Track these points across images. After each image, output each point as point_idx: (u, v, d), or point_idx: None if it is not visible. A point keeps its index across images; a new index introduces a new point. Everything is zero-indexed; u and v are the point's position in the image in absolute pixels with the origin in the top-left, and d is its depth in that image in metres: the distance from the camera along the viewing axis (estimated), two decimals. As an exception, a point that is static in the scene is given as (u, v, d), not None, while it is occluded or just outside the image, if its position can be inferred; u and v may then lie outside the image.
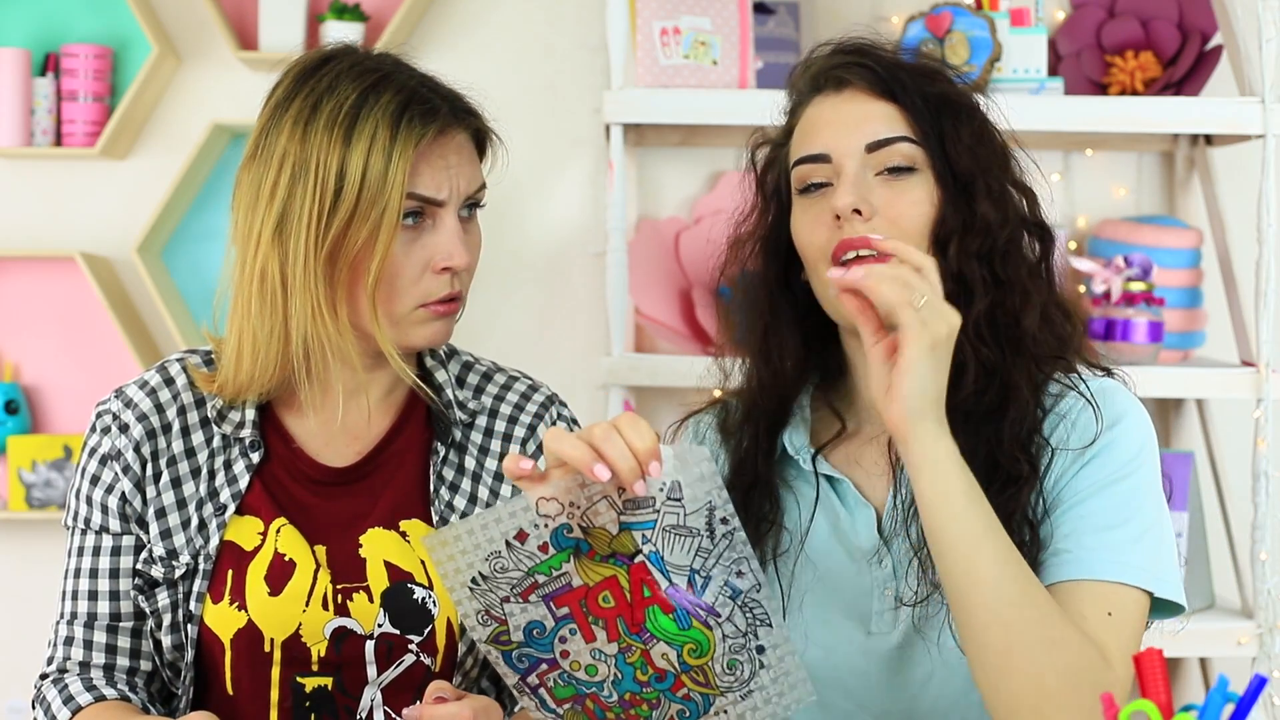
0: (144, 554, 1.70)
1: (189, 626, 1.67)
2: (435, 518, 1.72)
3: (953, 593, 1.46)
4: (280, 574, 1.68)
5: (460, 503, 1.73)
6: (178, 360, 1.76)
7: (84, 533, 1.73)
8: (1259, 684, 1.20)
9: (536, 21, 3.10)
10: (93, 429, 1.74)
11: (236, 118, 3.01)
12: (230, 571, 1.68)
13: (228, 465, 1.71)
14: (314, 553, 1.69)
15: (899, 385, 1.45)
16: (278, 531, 1.69)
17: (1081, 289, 2.92)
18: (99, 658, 1.70)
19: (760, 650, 1.39)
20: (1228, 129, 2.74)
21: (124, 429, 1.71)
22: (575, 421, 1.83)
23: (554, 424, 1.79)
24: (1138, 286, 2.75)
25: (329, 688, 1.67)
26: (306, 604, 1.67)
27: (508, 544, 1.36)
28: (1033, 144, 2.95)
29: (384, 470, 1.73)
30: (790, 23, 3.00)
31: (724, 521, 1.35)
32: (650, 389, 3.00)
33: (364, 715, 1.68)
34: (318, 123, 1.62)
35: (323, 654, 1.67)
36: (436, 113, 1.64)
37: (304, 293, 1.62)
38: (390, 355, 1.66)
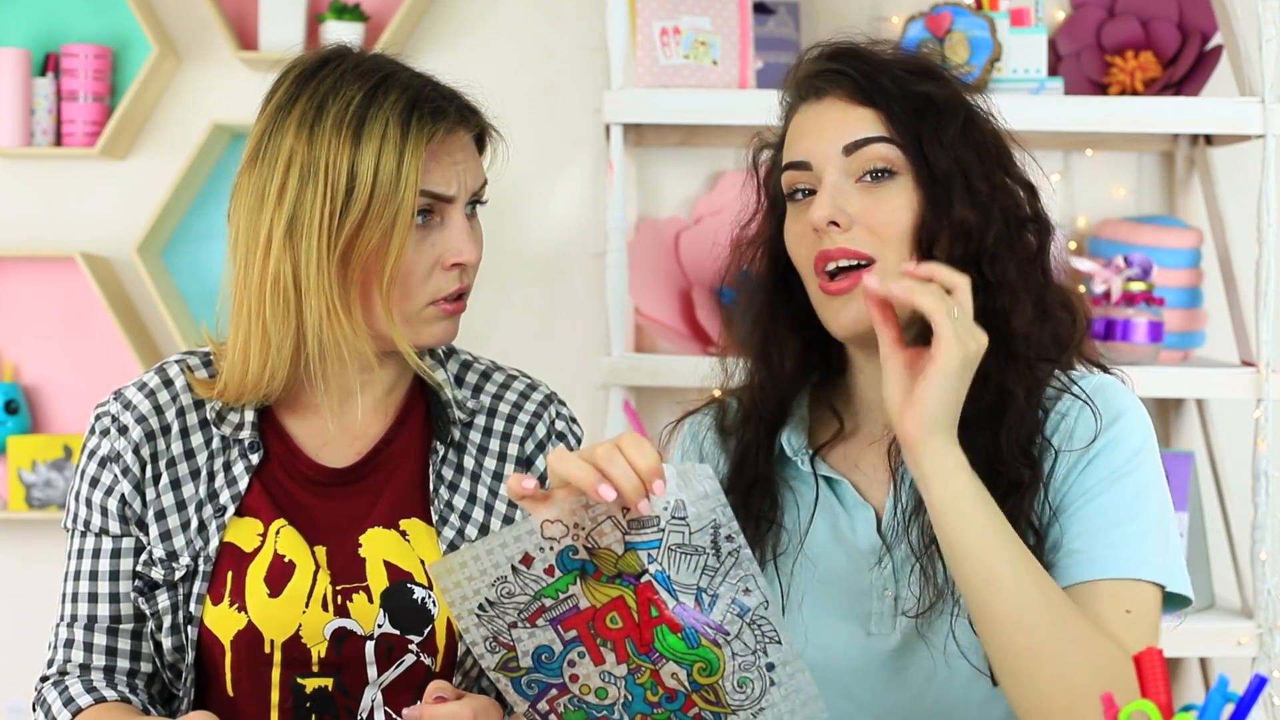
0: (144, 556, 1.70)
1: (189, 628, 1.67)
2: (434, 516, 1.72)
3: (972, 599, 1.46)
4: (280, 575, 1.68)
5: (459, 502, 1.73)
6: (176, 362, 1.76)
7: (83, 535, 1.73)
8: (1259, 684, 1.20)
9: (536, 21, 3.10)
10: (91, 431, 1.74)
11: (236, 118, 3.01)
12: (230, 573, 1.68)
13: (227, 467, 1.71)
14: (314, 554, 1.69)
15: (924, 394, 1.45)
16: (277, 533, 1.69)
17: (1081, 289, 2.92)
18: (99, 660, 1.70)
19: (770, 668, 1.39)
20: (1228, 129, 2.74)
21: (123, 431, 1.71)
22: (574, 420, 1.83)
23: (553, 422, 1.79)
24: (1138, 286, 2.75)
25: (329, 688, 1.67)
26: (306, 605, 1.67)
27: (514, 569, 1.36)
28: (1033, 144, 2.94)
29: (383, 470, 1.74)
30: (790, 23, 3.00)
31: (729, 539, 1.35)
32: (650, 389, 3.00)
33: (364, 715, 1.68)
34: (324, 123, 1.61)
35: (323, 655, 1.67)
36: (444, 111, 1.65)
37: (318, 294, 1.62)
38: (406, 353, 1.66)
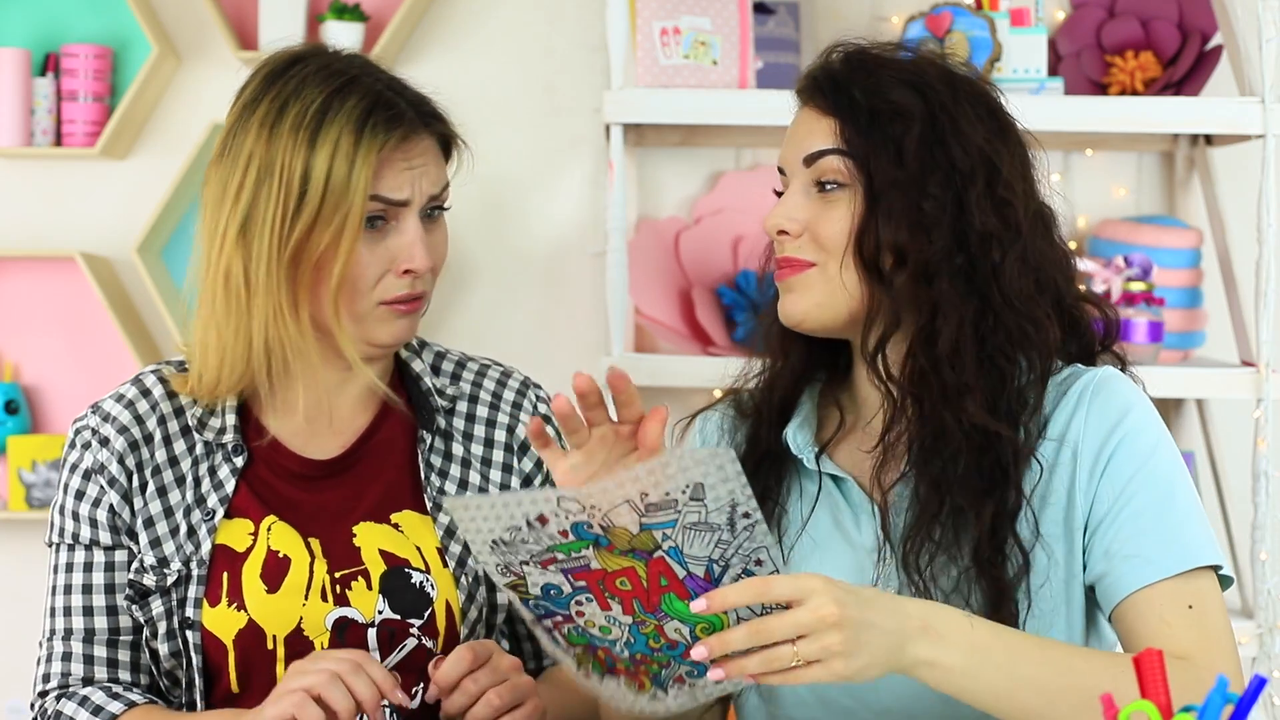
0: (135, 564, 1.71)
1: (188, 632, 1.68)
2: (429, 504, 1.73)
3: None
4: (276, 570, 1.69)
5: (452, 489, 1.75)
6: (153, 372, 1.78)
7: (71, 549, 1.73)
8: (1259, 684, 1.20)
9: (536, 21, 3.10)
10: (72, 445, 1.74)
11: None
12: (225, 574, 1.68)
13: (212, 471, 1.72)
14: (308, 544, 1.70)
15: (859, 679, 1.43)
16: (269, 529, 1.70)
17: (1081, 289, 2.92)
18: (101, 672, 1.71)
19: None
20: (1228, 129, 2.74)
21: (105, 442, 1.72)
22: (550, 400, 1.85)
23: (534, 407, 1.82)
24: (1138, 286, 2.75)
25: None
26: (306, 597, 1.68)
27: (528, 523, 1.36)
28: (1033, 144, 2.92)
29: (369, 462, 1.75)
30: (790, 23, 3.00)
31: (746, 516, 1.35)
32: (650, 389, 3.00)
33: None
34: (283, 125, 1.64)
35: (325, 645, 1.68)
36: (401, 118, 1.66)
37: (266, 294, 1.64)
38: (352, 358, 1.68)
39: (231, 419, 1.72)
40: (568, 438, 1.51)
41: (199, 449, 1.73)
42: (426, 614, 1.69)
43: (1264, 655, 2.69)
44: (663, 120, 2.77)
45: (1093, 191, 3.07)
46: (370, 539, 1.71)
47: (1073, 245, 2.98)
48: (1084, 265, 2.80)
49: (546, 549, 1.37)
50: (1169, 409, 3.07)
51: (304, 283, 1.64)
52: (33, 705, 1.73)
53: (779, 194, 1.68)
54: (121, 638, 1.72)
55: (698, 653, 1.36)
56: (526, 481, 1.78)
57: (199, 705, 1.69)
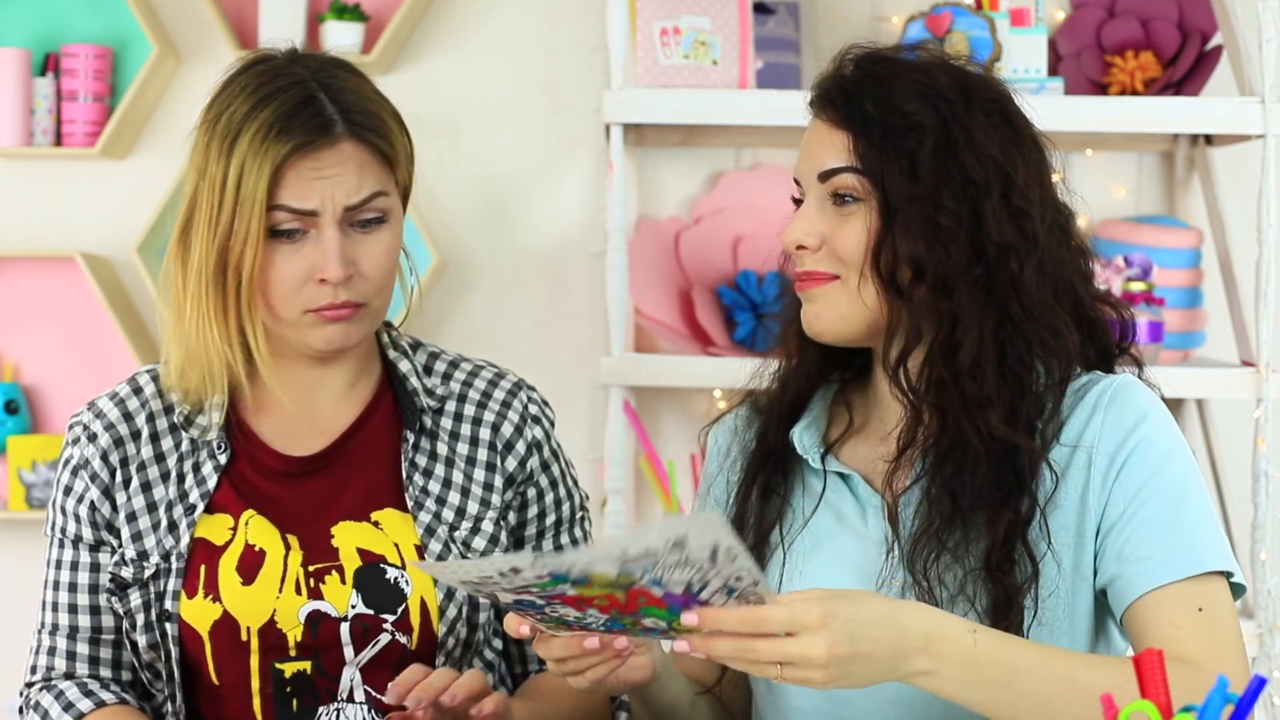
0: (115, 557, 1.74)
1: (167, 624, 1.70)
2: (410, 503, 1.74)
3: None
4: (251, 563, 1.71)
5: (435, 487, 1.76)
6: (147, 371, 1.81)
7: (61, 544, 1.77)
8: (1259, 684, 1.20)
9: (536, 21, 3.10)
10: (66, 442, 1.79)
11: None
12: (203, 566, 1.71)
13: (196, 468, 1.75)
14: (285, 539, 1.72)
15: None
16: (246, 523, 1.73)
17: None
18: (82, 669, 1.74)
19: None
20: (1228, 129, 2.74)
21: (92, 438, 1.76)
22: (546, 404, 1.85)
23: (525, 406, 1.82)
24: (1138, 286, 2.75)
25: (308, 671, 1.70)
26: (280, 590, 1.70)
27: (501, 574, 1.37)
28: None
29: (350, 459, 1.76)
30: (790, 23, 3.00)
31: (728, 551, 1.35)
32: (650, 389, 3.00)
33: (344, 695, 1.70)
34: (215, 133, 1.67)
35: (299, 638, 1.69)
36: (308, 127, 1.66)
37: (195, 301, 1.68)
38: (262, 361, 1.70)
39: (216, 416, 1.75)
40: None
41: (185, 445, 1.76)
42: (400, 609, 1.70)
43: (1264, 655, 2.69)
44: (663, 120, 2.77)
45: (1093, 191, 3.07)
46: (348, 537, 1.73)
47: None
48: (1084, 265, 2.80)
49: (520, 587, 1.38)
50: (1169, 409, 3.07)
51: (230, 291, 1.68)
52: (21, 693, 1.76)
53: (795, 200, 1.68)
54: (103, 636, 1.75)
55: (680, 647, 1.39)
56: (509, 482, 1.78)
57: (178, 698, 1.72)
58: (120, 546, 1.73)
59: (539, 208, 3.10)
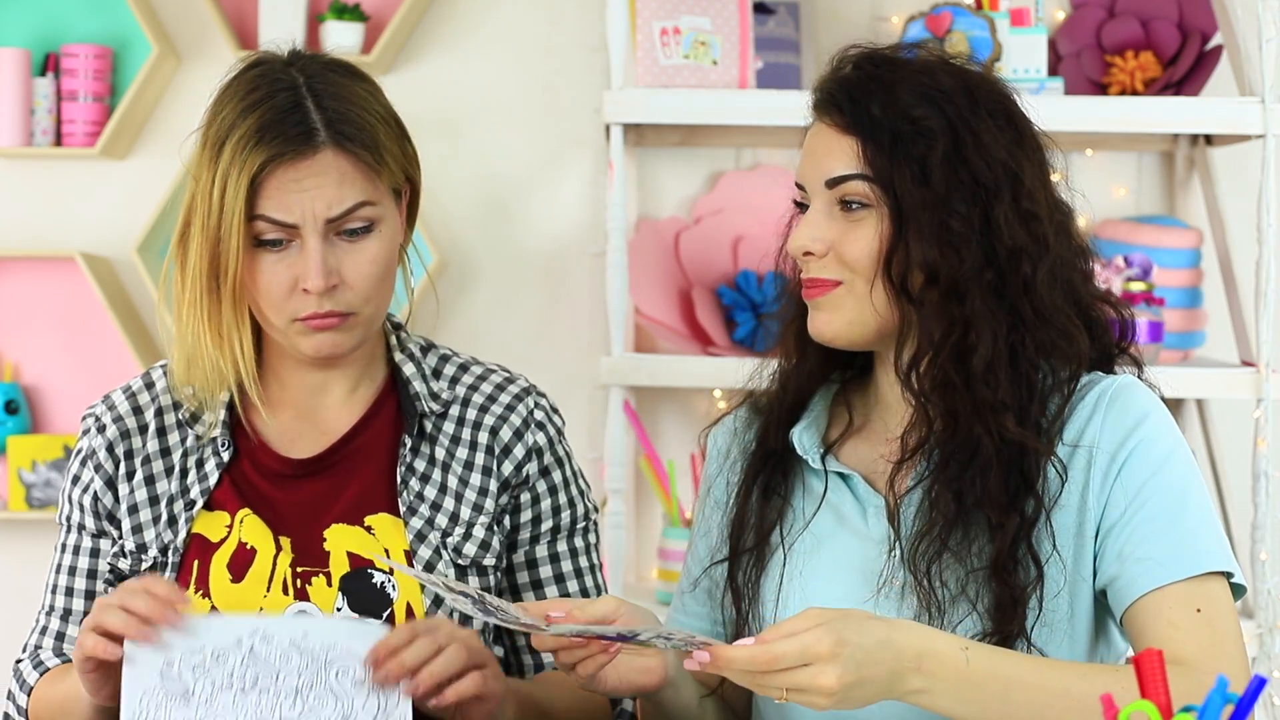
0: (115, 549, 1.76)
1: None
2: (403, 508, 1.74)
3: None
4: (242, 562, 1.72)
5: (430, 492, 1.76)
6: (161, 366, 1.82)
7: (68, 530, 1.80)
8: (1259, 684, 1.20)
9: (536, 21, 3.10)
10: (80, 434, 1.81)
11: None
12: (196, 562, 1.72)
13: (199, 464, 1.76)
14: (277, 540, 1.73)
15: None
16: (241, 521, 1.73)
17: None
18: (70, 650, 1.75)
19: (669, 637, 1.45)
20: (1228, 129, 2.74)
21: (101, 430, 1.79)
22: (555, 410, 1.84)
23: (531, 411, 1.81)
24: (1138, 286, 2.75)
25: None
26: (267, 590, 1.70)
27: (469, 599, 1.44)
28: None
29: (349, 462, 1.77)
30: (790, 23, 3.00)
31: (669, 636, 1.42)
32: (650, 389, 3.00)
33: None
34: (207, 141, 1.68)
35: None
36: (290, 136, 1.65)
37: (190, 306, 1.69)
38: (246, 370, 1.71)
39: (222, 414, 1.76)
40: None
41: (190, 441, 1.77)
42: (385, 614, 1.70)
43: (1264, 655, 2.69)
44: (663, 120, 2.77)
45: (1093, 191, 3.05)
46: (339, 541, 1.73)
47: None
48: (1084, 265, 2.80)
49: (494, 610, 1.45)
50: (1169, 409, 3.07)
51: (225, 297, 1.68)
52: (12, 668, 1.79)
53: (797, 204, 1.67)
54: None
55: (691, 665, 1.41)
56: (504, 487, 1.78)
57: None
58: (121, 538, 1.75)
59: (539, 208, 3.10)
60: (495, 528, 1.77)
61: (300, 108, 1.66)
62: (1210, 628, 1.53)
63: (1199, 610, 1.53)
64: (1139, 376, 1.68)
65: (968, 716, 1.46)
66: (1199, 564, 1.55)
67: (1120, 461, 1.59)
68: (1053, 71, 2.90)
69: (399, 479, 1.75)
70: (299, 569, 1.71)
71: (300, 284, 1.66)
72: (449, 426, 1.79)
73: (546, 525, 1.80)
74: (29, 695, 1.73)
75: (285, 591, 1.70)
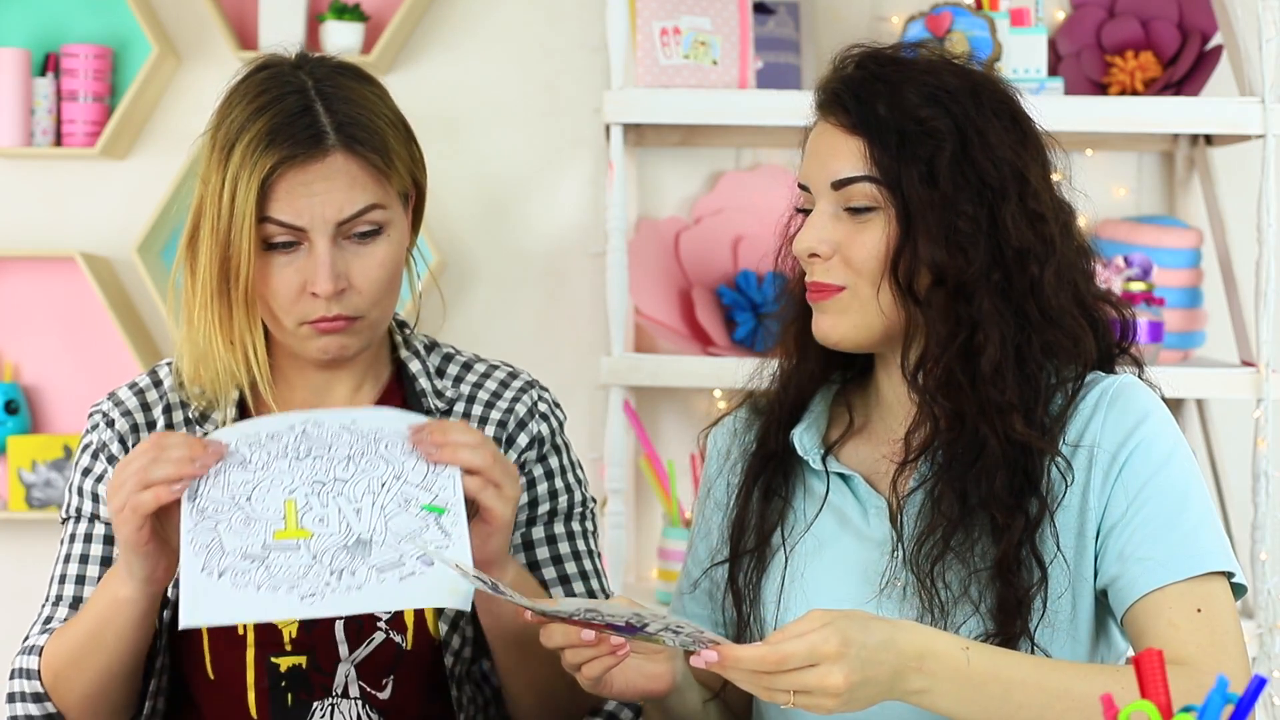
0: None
1: (164, 611, 1.70)
2: None
3: None
4: None
5: None
6: (167, 364, 1.82)
7: (77, 521, 1.78)
8: (1259, 684, 1.20)
9: (536, 21, 3.10)
10: (85, 430, 1.80)
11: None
12: None
13: None
14: None
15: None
16: None
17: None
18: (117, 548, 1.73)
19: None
20: (1228, 129, 2.74)
21: (110, 424, 1.77)
22: (557, 405, 1.85)
23: (535, 404, 1.82)
24: (1138, 286, 2.75)
25: (303, 666, 1.70)
26: None
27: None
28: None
29: None
30: (790, 23, 3.00)
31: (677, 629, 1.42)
32: (650, 389, 3.00)
33: (339, 690, 1.70)
34: (216, 146, 1.68)
35: (294, 635, 1.70)
36: (300, 139, 1.65)
37: (202, 309, 1.69)
38: (260, 373, 1.72)
39: (232, 412, 1.75)
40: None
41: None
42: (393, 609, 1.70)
43: (1264, 655, 2.69)
44: (663, 120, 2.77)
45: (1093, 191, 3.05)
46: None
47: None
48: (1084, 265, 2.80)
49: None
50: (1169, 409, 3.07)
51: (235, 299, 1.68)
52: (10, 676, 1.74)
53: (800, 210, 1.67)
54: None
55: (698, 662, 1.41)
56: None
57: (159, 684, 1.72)
58: None
59: (539, 208, 3.10)
60: None
61: (310, 111, 1.66)
62: (1210, 628, 1.53)
63: (1199, 610, 1.53)
64: (1139, 376, 1.68)
65: (969, 716, 1.45)
66: (1200, 564, 1.55)
67: (1121, 461, 1.59)
68: (1053, 71, 2.90)
69: None
70: None
71: (309, 288, 1.66)
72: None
73: (544, 508, 1.80)
74: (40, 656, 1.69)
75: None
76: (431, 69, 3.09)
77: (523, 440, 1.79)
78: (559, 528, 1.81)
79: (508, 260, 3.10)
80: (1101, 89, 2.92)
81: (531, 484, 1.80)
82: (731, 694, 1.71)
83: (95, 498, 1.77)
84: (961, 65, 1.65)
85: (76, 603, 1.74)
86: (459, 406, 1.80)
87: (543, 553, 1.79)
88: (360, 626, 1.70)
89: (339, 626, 1.70)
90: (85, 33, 3.10)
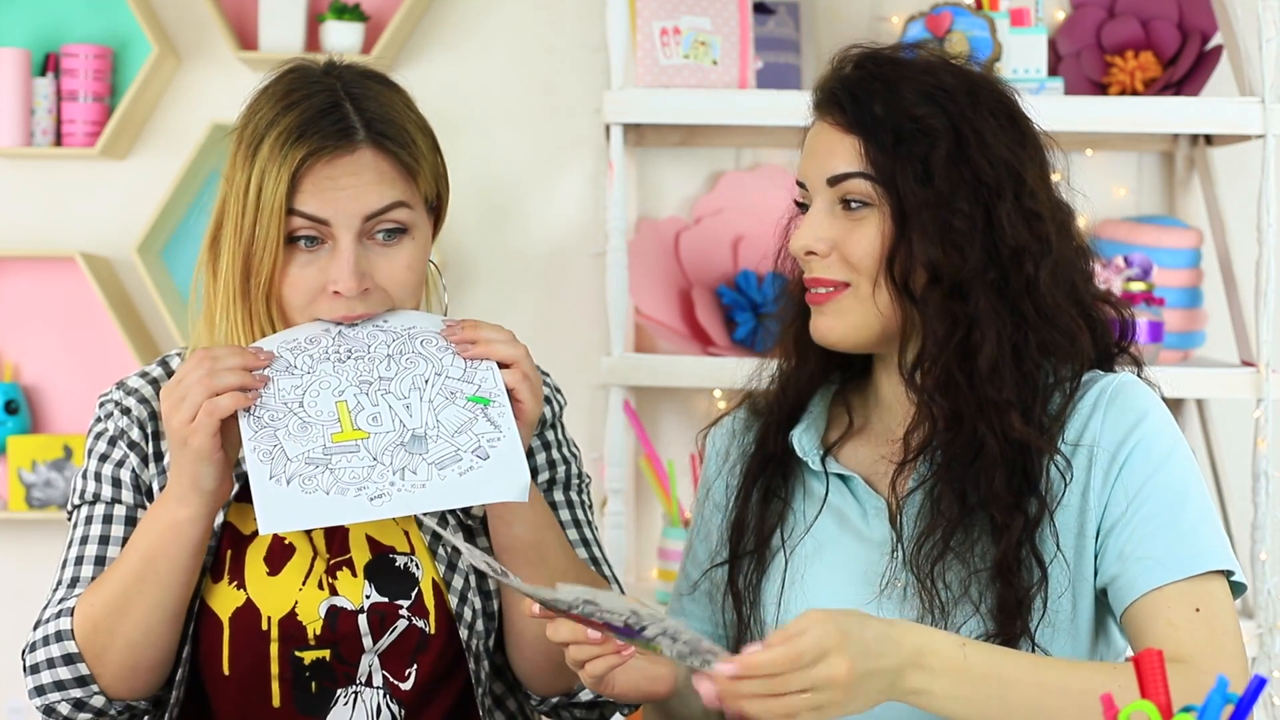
0: None
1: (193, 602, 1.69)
2: None
3: None
4: (280, 556, 1.72)
5: None
6: (177, 354, 1.81)
7: (93, 504, 1.75)
8: (1259, 684, 1.20)
9: (536, 21, 3.10)
10: (97, 418, 1.78)
11: (235, 119, 3.01)
12: (229, 552, 1.71)
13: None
14: (310, 537, 1.72)
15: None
16: None
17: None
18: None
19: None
20: (1228, 129, 2.74)
21: (125, 411, 1.76)
22: (559, 390, 1.88)
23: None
24: (1138, 286, 2.75)
25: (327, 659, 1.70)
26: (303, 584, 1.70)
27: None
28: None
29: None
30: (790, 23, 3.00)
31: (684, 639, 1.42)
32: (650, 389, 3.00)
33: (363, 679, 1.71)
34: (243, 143, 1.68)
35: (318, 631, 1.70)
36: (325, 134, 1.65)
37: (224, 308, 1.69)
38: None
39: None
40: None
41: None
42: (414, 594, 1.71)
43: (1264, 655, 2.69)
44: (663, 120, 2.77)
45: (1093, 191, 3.05)
46: (360, 528, 1.73)
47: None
48: (1084, 265, 2.80)
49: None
50: (1169, 409, 3.07)
51: (256, 298, 1.68)
52: (23, 654, 1.71)
53: (799, 204, 1.67)
54: None
55: (706, 690, 1.39)
56: None
57: (183, 673, 1.70)
58: None
59: (539, 208, 3.10)
60: None
61: (339, 108, 1.66)
62: (1209, 627, 1.53)
63: (1198, 610, 1.53)
64: (1139, 375, 1.68)
65: (967, 715, 1.45)
66: (1199, 563, 1.55)
67: (1121, 460, 1.59)
68: (1053, 71, 2.90)
69: None
70: (331, 561, 1.72)
71: (330, 286, 1.66)
72: None
73: (543, 477, 1.81)
74: (72, 616, 1.65)
75: (320, 586, 1.71)
76: (431, 69, 3.09)
77: None
78: (558, 495, 1.82)
79: (508, 260, 3.10)
80: (1101, 89, 2.92)
81: (530, 455, 1.80)
82: None
83: (116, 483, 1.74)
84: (960, 65, 1.65)
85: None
86: None
87: None
88: (383, 617, 1.70)
89: (362, 619, 1.70)
90: (85, 33, 3.10)
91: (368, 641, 1.70)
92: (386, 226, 1.67)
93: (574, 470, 1.85)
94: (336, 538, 1.73)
